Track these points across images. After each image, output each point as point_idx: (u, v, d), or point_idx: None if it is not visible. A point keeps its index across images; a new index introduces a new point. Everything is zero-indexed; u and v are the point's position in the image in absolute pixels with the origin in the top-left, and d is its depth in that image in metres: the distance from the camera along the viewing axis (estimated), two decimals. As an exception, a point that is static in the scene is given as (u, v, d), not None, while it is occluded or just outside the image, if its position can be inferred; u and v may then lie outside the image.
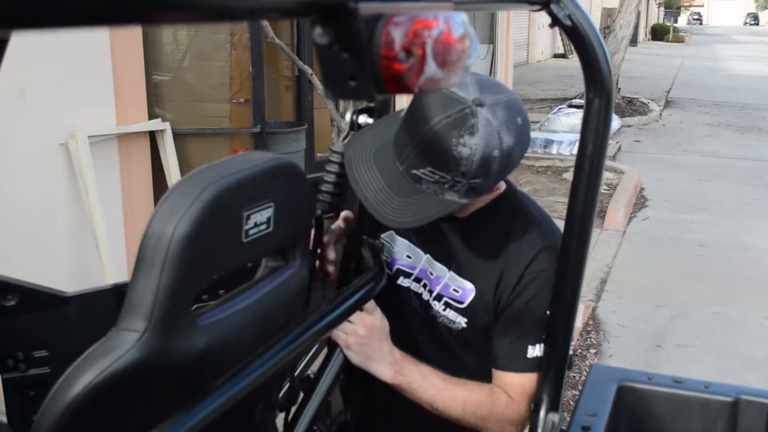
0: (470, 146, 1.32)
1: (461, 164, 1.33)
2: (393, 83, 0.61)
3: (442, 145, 1.33)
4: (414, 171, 1.38)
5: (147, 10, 0.44)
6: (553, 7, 1.20)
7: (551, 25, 1.25)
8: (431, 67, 0.63)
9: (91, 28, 0.42)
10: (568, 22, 1.23)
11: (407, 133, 1.39)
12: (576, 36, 1.25)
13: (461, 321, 1.56)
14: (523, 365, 1.52)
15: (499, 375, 1.56)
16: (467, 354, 1.60)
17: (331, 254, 1.59)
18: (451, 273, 1.57)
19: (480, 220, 1.56)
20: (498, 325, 1.54)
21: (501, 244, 1.53)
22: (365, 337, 1.50)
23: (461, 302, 1.56)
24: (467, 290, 1.55)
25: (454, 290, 1.56)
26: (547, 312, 1.50)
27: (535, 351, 1.51)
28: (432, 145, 1.34)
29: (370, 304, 1.51)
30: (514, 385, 1.54)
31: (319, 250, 1.57)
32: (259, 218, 1.13)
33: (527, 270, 1.51)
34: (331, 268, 1.60)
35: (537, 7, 1.18)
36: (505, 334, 1.53)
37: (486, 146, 1.33)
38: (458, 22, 0.69)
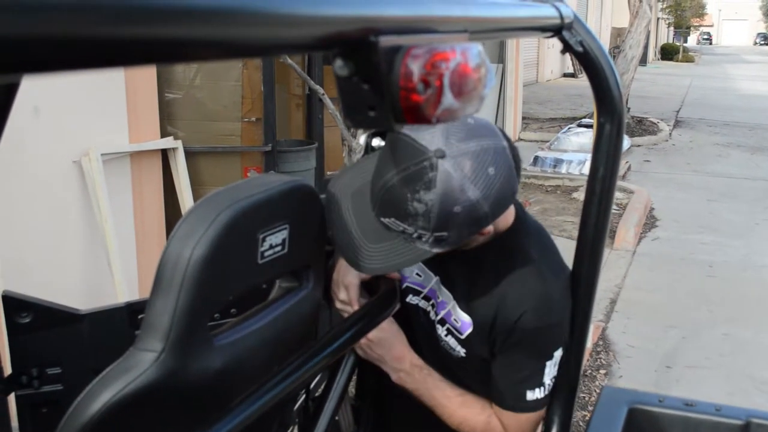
0: (425, 202, 1.25)
1: (418, 219, 1.28)
2: (411, 114, 0.63)
3: (398, 200, 1.28)
4: (382, 219, 1.34)
5: (173, 50, 0.46)
6: (565, 33, 1.22)
7: (563, 51, 1.27)
8: (448, 98, 0.65)
9: (108, 70, 0.43)
10: (579, 48, 1.25)
11: (373, 180, 1.34)
12: (587, 62, 1.27)
13: (460, 350, 1.56)
14: (522, 406, 1.51)
15: (497, 409, 1.55)
16: (467, 379, 1.60)
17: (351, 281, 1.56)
18: (454, 303, 1.56)
19: (481, 256, 1.53)
20: (495, 365, 1.53)
21: (497, 288, 1.50)
22: (375, 340, 1.54)
23: (461, 333, 1.55)
24: (465, 324, 1.54)
25: (455, 320, 1.55)
26: (547, 362, 1.48)
27: (535, 394, 1.49)
28: (389, 197, 1.29)
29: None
30: (510, 422, 1.54)
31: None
32: (275, 240, 1.14)
33: (517, 324, 1.47)
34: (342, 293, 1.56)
35: (549, 34, 1.20)
36: (503, 376, 1.52)
37: (443, 202, 1.25)
38: (474, 53, 0.71)
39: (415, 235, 1.31)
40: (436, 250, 1.33)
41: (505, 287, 1.49)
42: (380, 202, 1.33)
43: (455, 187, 1.25)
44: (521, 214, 1.56)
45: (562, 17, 1.18)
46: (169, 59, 0.46)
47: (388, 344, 1.56)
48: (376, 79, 0.60)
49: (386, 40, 0.60)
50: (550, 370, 1.49)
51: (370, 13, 0.61)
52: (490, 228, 1.39)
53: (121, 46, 0.42)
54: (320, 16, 0.55)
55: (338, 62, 0.60)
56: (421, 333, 1.62)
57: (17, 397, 1.75)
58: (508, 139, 1.36)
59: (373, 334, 1.53)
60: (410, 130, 1.26)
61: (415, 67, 0.62)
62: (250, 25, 0.49)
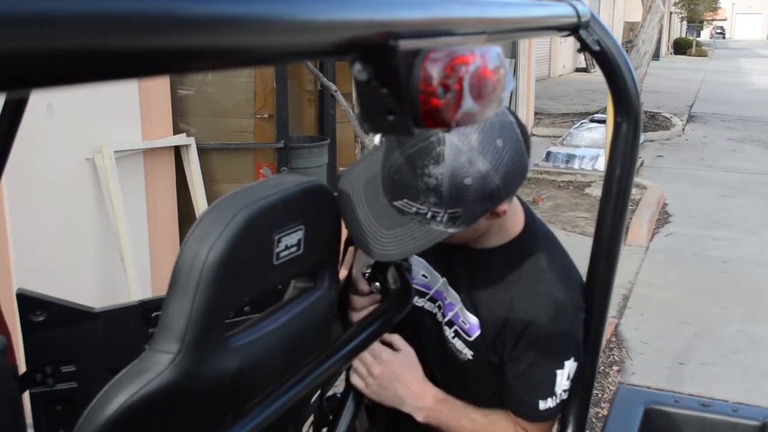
0: (435, 176, 1.24)
1: (430, 195, 1.26)
2: (430, 118, 0.62)
3: (408, 177, 1.27)
4: (395, 203, 1.32)
5: (187, 60, 0.45)
6: (582, 32, 1.21)
7: (580, 50, 1.27)
8: (468, 102, 0.64)
9: (118, 82, 0.43)
10: (596, 47, 1.24)
11: (383, 164, 1.33)
12: (605, 61, 1.26)
13: (467, 353, 1.55)
14: (537, 415, 1.50)
15: (517, 419, 1.54)
16: (472, 381, 1.59)
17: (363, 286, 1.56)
18: (461, 305, 1.54)
19: (491, 261, 1.51)
20: (508, 374, 1.51)
21: (506, 293, 1.49)
22: (382, 377, 1.50)
23: (469, 335, 1.54)
24: (473, 326, 1.53)
25: (463, 322, 1.54)
26: (558, 371, 1.47)
27: (547, 403, 1.48)
28: (399, 177, 1.28)
29: (393, 337, 1.50)
30: (532, 430, 1.53)
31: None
32: (290, 241, 1.14)
33: (526, 331, 1.46)
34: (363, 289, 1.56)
35: (566, 33, 1.19)
36: (515, 385, 1.51)
37: (453, 175, 1.24)
38: (493, 56, 0.70)
39: (429, 215, 1.29)
40: (451, 230, 1.31)
41: (514, 293, 1.48)
42: (391, 184, 1.31)
43: (464, 159, 1.24)
44: (530, 221, 1.55)
45: (579, 16, 1.18)
46: (184, 69, 0.46)
47: (402, 380, 1.51)
48: (395, 83, 0.60)
49: (405, 44, 0.60)
50: (561, 380, 1.47)
51: (389, 16, 0.60)
52: (504, 207, 1.37)
53: (133, 57, 0.42)
54: (339, 21, 0.55)
55: (357, 67, 0.60)
56: (426, 336, 1.61)
57: (32, 395, 1.76)
58: (515, 117, 1.35)
59: (378, 370, 1.50)
60: None
61: (435, 71, 0.62)
62: (267, 32, 0.49)
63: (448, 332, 1.56)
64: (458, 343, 1.55)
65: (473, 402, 1.58)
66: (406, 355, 1.53)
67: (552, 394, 1.48)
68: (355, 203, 1.37)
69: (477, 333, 1.52)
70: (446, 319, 1.57)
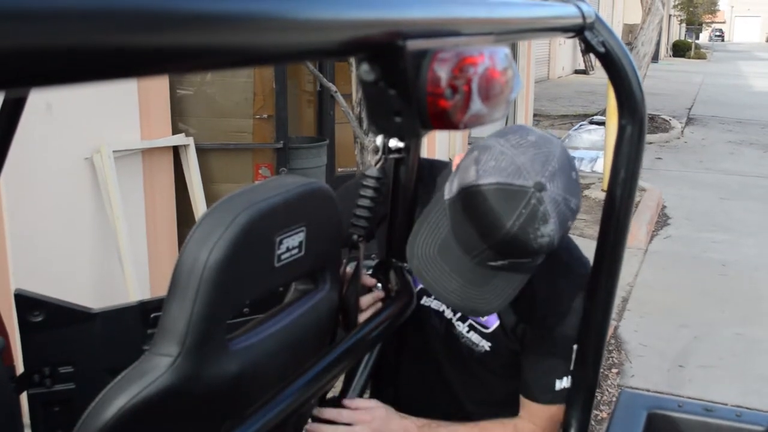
0: (548, 234, 1.27)
1: (542, 251, 1.29)
2: (438, 120, 0.61)
3: (522, 243, 1.27)
4: (491, 263, 1.32)
5: (193, 59, 0.44)
6: (587, 34, 1.19)
7: (584, 52, 1.26)
8: (476, 104, 0.63)
9: (118, 81, 0.42)
10: (601, 49, 1.22)
11: (477, 235, 1.30)
12: (610, 62, 1.25)
13: (485, 344, 1.56)
14: (552, 397, 1.52)
15: (528, 404, 1.56)
16: (488, 375, 1.60)
17: (369, 280, 1.54)
18: None
19: None
20: (524, 357, 1.54)
21: (527, 285, 1.48)
22: None
23: (486, 327, 1.55)
24: (492, 318, 1.54)
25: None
26: (575, 346, 1.48)
27: (562, 383, 1.51)
28: (512, 246, 1.28)
29: (363, 402, 1.46)
30: (543, 415, 1.54)
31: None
32: (291, 243, 1.13)
33: (552, 311, 1.49)
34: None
35: (571, 34, 1.18)
36: (533, 367, 1.54)
37: (562, 225, 1.28)
38: (501, 57, 0.69)
39: (536, 261, 1.33)
40: (539, 261, 1.35)
41: (537, 281, 1.47)
42: (497, 251, 1.30)
43: (563, 207, 1.28)
44: None
45: (584, 17, 1.16)
46: (193, 68, 0.45)
47: (386, 426, 1.47)
48: (402, 84, 0.59)
49: (413, 44, 0.58)
50: (573, 355, 1.49)
51: (397, 16, 0.59)
52: None
53: (140, 56, 0.40)
54: (347, 21, 0.54)
55: (364, 67, 0.59)
56: (433, 333, 1.62)
57: (29, 396, 1.75)
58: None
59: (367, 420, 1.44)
60: (500, 177, 1.26)
61: (443, 72, 0.61)
62: (273, 32, 0.48)
63: (461, 327, 1.57)
64: (474, 337, 1.56)
65: (487, 393, 1.61)
66: (371, 413, 1.47)
67: (567, 372, 1.50)
68: (440, 274, 1.35)
69: (496, 324, 1.54)
70: (458, 314, 1.58)
